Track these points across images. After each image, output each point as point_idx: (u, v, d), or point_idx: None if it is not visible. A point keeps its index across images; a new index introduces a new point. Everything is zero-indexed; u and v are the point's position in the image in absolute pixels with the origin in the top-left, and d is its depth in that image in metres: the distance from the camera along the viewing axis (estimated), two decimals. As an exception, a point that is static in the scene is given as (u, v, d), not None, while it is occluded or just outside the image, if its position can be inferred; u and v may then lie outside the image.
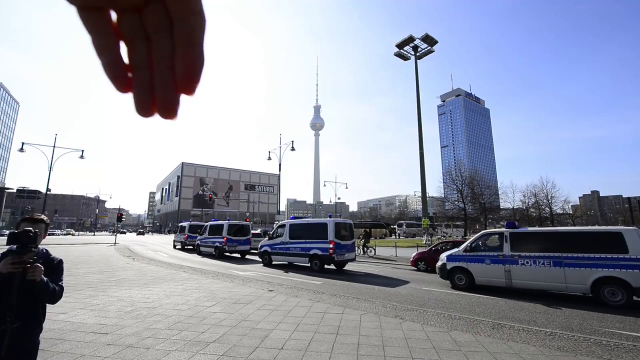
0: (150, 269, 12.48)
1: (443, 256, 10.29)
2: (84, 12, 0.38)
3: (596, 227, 9.40)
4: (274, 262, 15.24)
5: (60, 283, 2.14)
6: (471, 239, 10.09)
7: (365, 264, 15.86)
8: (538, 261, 8.25)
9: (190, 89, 0.41)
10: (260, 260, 15.78)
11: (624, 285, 7.20)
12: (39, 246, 2.09)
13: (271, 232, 15.99)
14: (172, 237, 44.93)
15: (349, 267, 14.67)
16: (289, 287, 8.82)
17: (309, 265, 13.67)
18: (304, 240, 13.88)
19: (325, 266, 13.34)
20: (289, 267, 14.41)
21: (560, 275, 7.92)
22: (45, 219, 2.20)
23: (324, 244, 13.00)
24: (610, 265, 7.38)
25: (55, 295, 2.07)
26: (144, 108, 0.42)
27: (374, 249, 20.60)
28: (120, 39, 0.41)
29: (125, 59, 0.42)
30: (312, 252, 13.39)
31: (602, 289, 7.45)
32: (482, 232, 10.27)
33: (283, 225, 14.99)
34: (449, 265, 9.82)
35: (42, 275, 1.92)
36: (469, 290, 9.18)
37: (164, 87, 0.42)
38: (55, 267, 2.17)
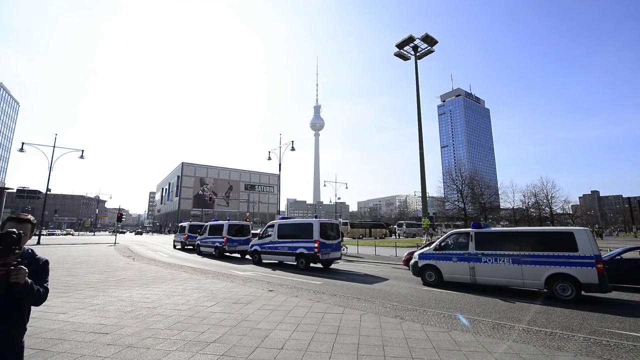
0: (150, 269, 12.49)
1: (416, 254, 10.82)
2: None
3: (551, 227, 10.01)
4: (263, 261, 15.73)
5: (45, 285, 2.09)
6: (441, 239, 10.54)
7: (365, 264, 15.86)
8: (499, 259, 8.82)
9: None
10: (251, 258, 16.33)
11: (573, 281, 7.74)
12: (25, 246, 2.05)
13: (261, 232, 16.45)
14: (172, 237, 44.94)
15: (345, 267, 14.69)
16: (289, 287, 8.82)
17: (295, 263, 14.06)
18: (291, 240, 14.36)
19: (312, 264, 13.78)
20: (277, 266, 14.70)
21: (518, 272, 8.46)
22: (31, 219, 2.13)
23: (309, 243, 13.47)
24: (562, 262, 7.93)
25: (40, 297, 2.02)
26: None
27: (346, 248, 21.60)
28: None
29: None
30: (298, 251, 13.85)
31: (554, 284, 7.97)
32: (451, 231, 10.69)
33: (272, 225, 15.52)
34: (421, 263, 10.36)
35: (27, 277, 1.89)
36: (438, 287, 9.64)
37: None
38: (40, 269, 2.12)
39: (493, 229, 10.08)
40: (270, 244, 15.14)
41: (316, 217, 14.96)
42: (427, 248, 10.73)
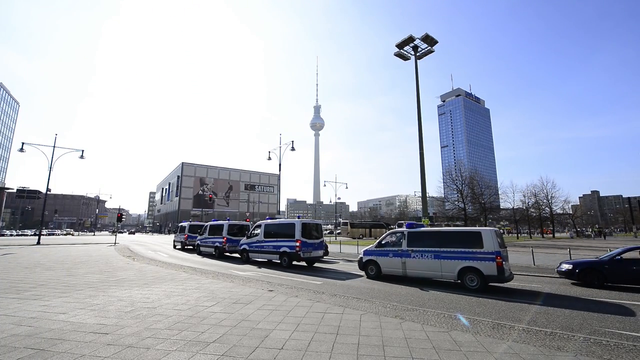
0: (150, 269, 12.48)
1: (361, 251, 12.14)
2: None
3: (465, 228, 12.07)
4: (251, 259, 16.42)
5: None
6: (381, 237, 11.77)
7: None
8: (424, 255, 10.09)
9: None
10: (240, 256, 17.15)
11: (478, 273, 8.97)
12: None
13: (248, 232, 17.16)
14: (172, 237, 44.90)
15: (345, 267, 14.68)
16: (289, 287, 8.82)
17: (279, 261, 14.68)
18: (275, 239, 15.10)
19: (295, 262, 14.44)
20: (262, 264, 15.37)
21: (438, 266, 9.73)
22: None
23: (292, 242, 14.14)
24: (470, 257, 9.17)
25: None
26: None
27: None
28: None
29: None
30: (281, 249, 14.55)
31: (465, 276, 9.23)
32: (389, 231, 11.80)
33: (259, 226, 16.23)
34: (364, 259, 11.59)
35: None
36: (378, 279, 10.90)
37: None
38: None
39: (422, 228, 11.05)
40: (257, 243, 15.84)
41: (299, 217, 15.72)
42: (371, 246, 11.81)
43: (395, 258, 10.68)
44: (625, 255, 10.11)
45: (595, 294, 8.87)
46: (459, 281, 9.33)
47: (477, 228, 9.70)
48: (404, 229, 11.03)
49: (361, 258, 11.74)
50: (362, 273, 12.24)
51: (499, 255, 8.78)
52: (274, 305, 6.62)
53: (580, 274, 10.22)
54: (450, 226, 51.26)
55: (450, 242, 9.71)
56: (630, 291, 9.20)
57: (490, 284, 9.09)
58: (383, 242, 11.38)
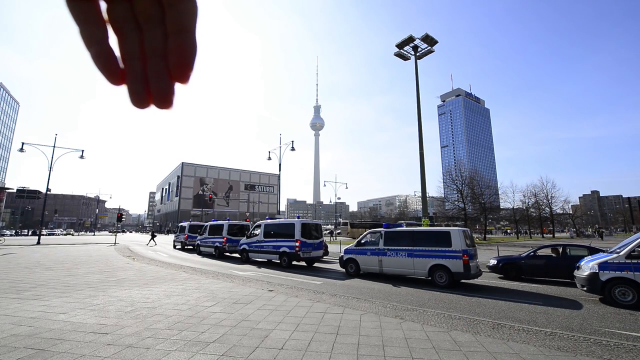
0: (150, 269, 12.48)
1: (342, 249, 12.78)
2: (72, 1, 0.37)
3: (435, 228, 12.47)
4: (251, 259, 16.48)
5: None
6: (360, 236, 12.27)
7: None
8: (399, 253, 10.63)
9: (184, 78, 0.41)
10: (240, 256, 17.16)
11: (447, 270, 9.50)
12: None
13: (248, 232, 17.18)
14: (171, 237, 44.89)
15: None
16: (289, 287, 8.81)
17: (279, 261, 14.70)
18: (275, 239, 15.12)
19: (294, 262, 14.47)
20: (262, 264, 15.48)
21: (411, 263, 10.27)
22: None
23: (291, 243, 14.15)
24: (440, 255, 9.70)
25: None
26: (139, 99, 0.42)
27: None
28: (109, 29, 0.40)
29: (116, 50, 0.41)
30: (281, 249, 14.56)
31: (435, 273, 9.76)
32: (368, 231, 12.30)
33: (259, 226, 16.27)
34: (345, 257, 12.11)
35: None
36: (357, 276, 11.43)
37: (158, 77, 0.41)
38: None
39: (397, 229, 11.50)
40: (257, 243, 15.87)
41: (298, 217, 15.68)
42: (351, 245, 12.36)
43: (373, 256, 11.20)
44: (540, 252, 11.14)
45: (512, 285, 9.94)
46: (430, 278, 9.84)
47: (446, 228, 10.25)
48: (381, 229, 11.43)
49: (342, 256, 12.17)
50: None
51: (466, 254, 9.30)
52: (274, 305, 6.61)
53: (502, 268, 11.27)
54: (450, 226, 51.33)
55: (422, 241, 10.22)
56: (539, 283, 10.49)
57: (460, 280, 9.60)
58: (362, 242, 11.82)
